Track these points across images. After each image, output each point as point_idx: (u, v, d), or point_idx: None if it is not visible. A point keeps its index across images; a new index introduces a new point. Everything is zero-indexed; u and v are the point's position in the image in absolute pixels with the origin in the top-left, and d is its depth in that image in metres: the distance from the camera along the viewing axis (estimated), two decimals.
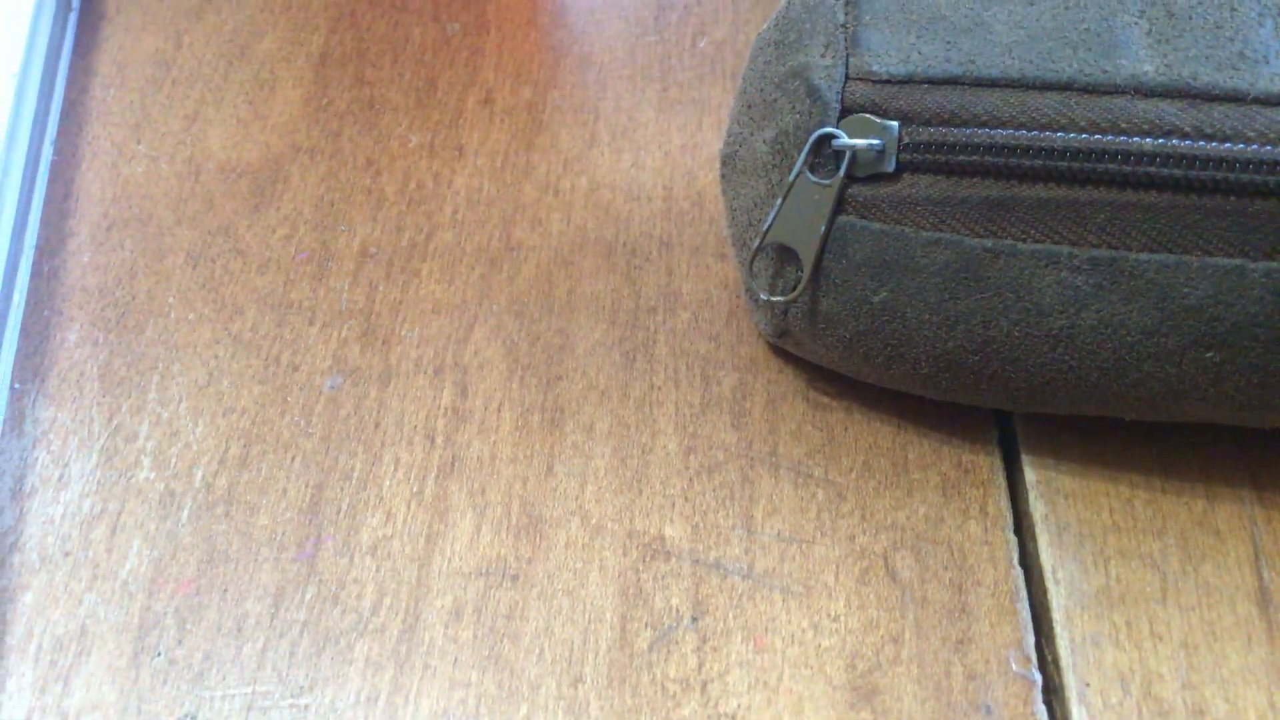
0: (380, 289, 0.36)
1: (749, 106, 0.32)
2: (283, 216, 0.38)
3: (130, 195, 0.38)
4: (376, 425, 0.33)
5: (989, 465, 0.32)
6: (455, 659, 0.28)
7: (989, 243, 0.29)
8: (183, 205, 0.38)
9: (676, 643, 0.29)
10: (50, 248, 0.37)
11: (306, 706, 0.28)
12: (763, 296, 0.32)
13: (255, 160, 0.39)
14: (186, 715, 0.28)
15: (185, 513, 0.31)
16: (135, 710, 0.28)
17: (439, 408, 0.33)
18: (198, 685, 0.28)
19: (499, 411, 0.33)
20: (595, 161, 0.39)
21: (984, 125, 0.28)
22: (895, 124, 0.29)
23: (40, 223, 0.38)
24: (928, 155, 0.29)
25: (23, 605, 0.29)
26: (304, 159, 0.39)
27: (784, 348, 0.33)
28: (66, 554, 0.30)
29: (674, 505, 0.31)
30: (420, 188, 0.39)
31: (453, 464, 0.32)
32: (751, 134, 0.32)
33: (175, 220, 0.38)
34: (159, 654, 0.28)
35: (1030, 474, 0.31)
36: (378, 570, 0.30)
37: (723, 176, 0.34)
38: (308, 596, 0.29)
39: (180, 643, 0.29)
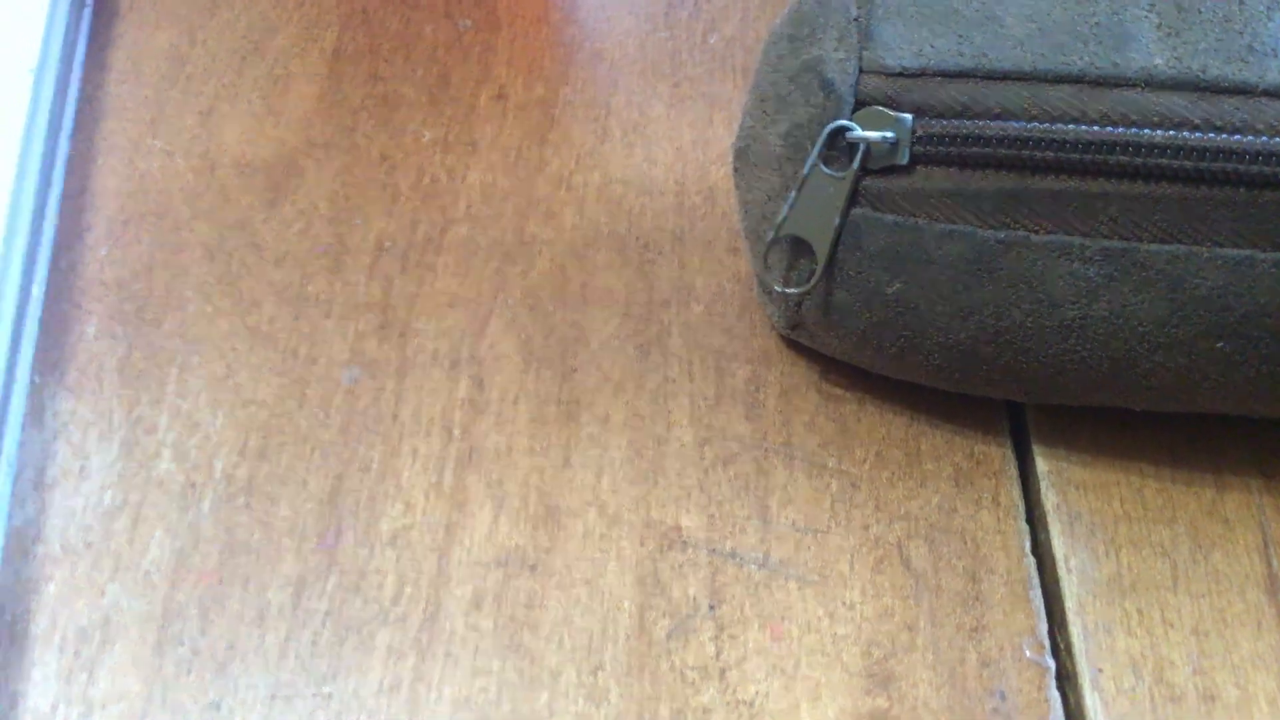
0: (396, 283, 0.36)
1: (762, 100, 0.33)
2: (298, 211, 0.38)
3: (146, 190, 0.39)
4: (394, 417, 0.33)
5: (1001, 456, 0.32)
6: (476, 647, 0.29)
7: (1002, 234, 0.29)
8: (199, 200, 0.38)
9: (694, 631, 0.29)
10: (67, 242, 0.37)
11: (330, 695, 0.28)
12: (776, 289, 0.32)
13: (270, 155, 0.39)
14: (211, 704, 0.28)
15: (206, 504, 0.31)
16: (160, 700, 0.28)
17: (456, 400, 0.34)
18: (221, 675, 0.28)
19: (515, 404, 0.33)
20: (607, 157, 0.39)
21: (997, 118, 0.29)
22: (909, 117, 0.29)
23: (58, 216, 0.38)
24: (941, 148, 0.29)
25: (46, 596, 0.30)
26: (319, 154, 0.39)
27: (797, 340, 0.34)
28: (88, 545, 0.31)
29: (690, 496, 0.31)
30: (434, 182, 0.39)
31: (470, 455, 0.32)
32: (764, 128, 0.32)
33: (191, 215, 0.38)
34: (182, 644, 0.29)
35: (1042, 464, 0.32)
36: (398, 560, 0.30)
37: (736, 170, 0.34)
38: (329, 586, 0.30)
39: (203, 632, 0.29)
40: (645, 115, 0.40)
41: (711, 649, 0.29)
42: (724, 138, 0.40)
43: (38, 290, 0.36)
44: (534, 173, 0.39)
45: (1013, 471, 0.32)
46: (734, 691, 0.28)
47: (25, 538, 0.31)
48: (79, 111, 0.41)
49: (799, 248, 0.31)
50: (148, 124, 0.40)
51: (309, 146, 0.40)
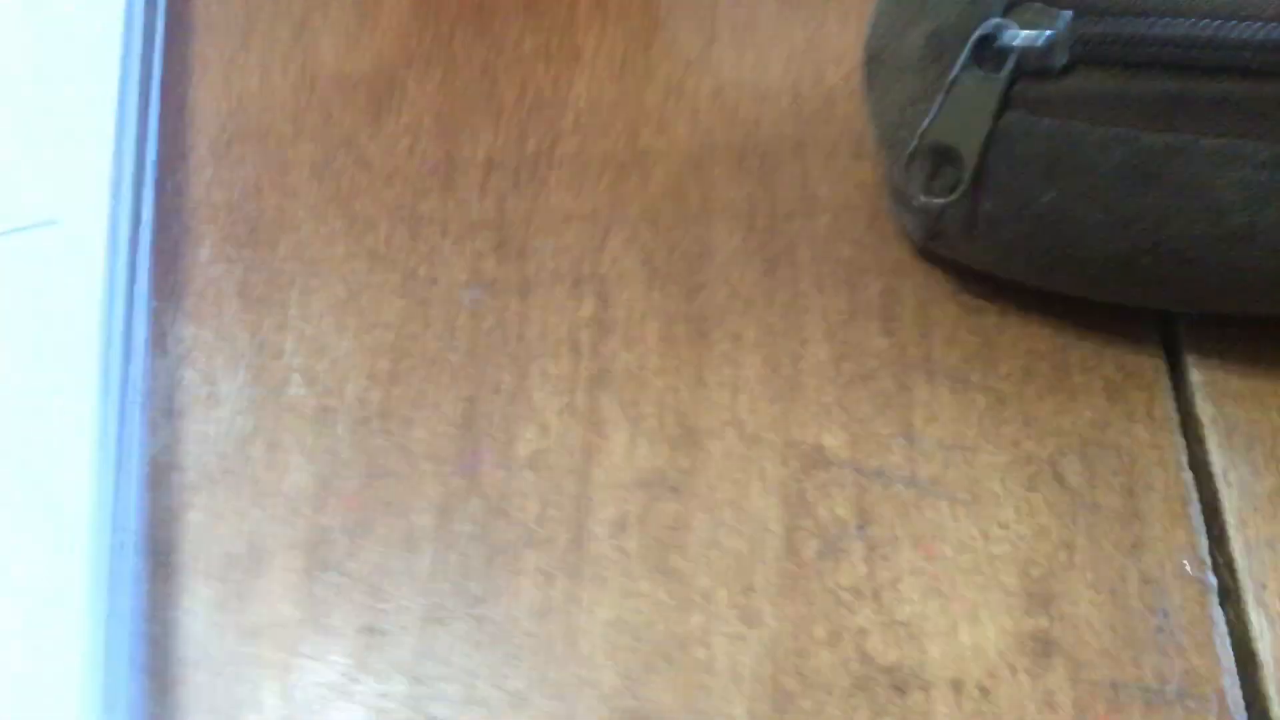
0: (509, 199, 0.35)
1: (900, 0, 0.31)
2: (404, 127, 0.37)
3: (245, 108, 0.38)
4: (520, 338, 0.33)
5: (1153, 367, 0.31)
6: (625, 569, 0.28)
7: (1167, 139, 0.28)
8: (301, 117, 0.37)
9: (845, 552, 0.29)
10: (171, 164, 0.37)
11: (483, 616, 0.28)
12: (919, 199, 0.31)
13: (369, 69, 0.38)
14: (366, 627, 0.28)
15: (341, 429, 0.31)
16: (315, 624, 0.28)
17: (581, 319, 0.33)
18: (374, 598, 0.28)
19: (642, 321, 0.33)
20: (717, 61, 0.38)
21: (1162, 15, 0.27)
22: (1068, 14, 0.28)
23: (159, 139, 0.37)
24: (1101, 47, 0.28)
25: (189, 524, 0.30)
26: (419, 67, 0.38)
27: (934, 251, 0.33)
28: (226, 471, 0.30)
29: (830, 414, 0.31)
30: (539, 94, 0.38)
31: (601, 376, 0.32)
32: (904, 28, 0.31)
33: (295, 133, 0.37)
34: (332, 568, 0.29)
35: (1196, 375, 0.31)
36: (538, 482, 0.30)
37: (868, 74, 0.33)
38: (472, 509, 0.29)
39: (352, 557, 0.29)
40: (754, 16, 0.39)
41: (864, 569, 0.28)
42: (839, 38, 0.38)
43: (147, 214, 0.35)
44: (642, 81, 0.38)
45: (1165, 383, 0.31)
46: (890, 612, 0.28)
47: (161, 466, 0.30)
48: (168, 30, 0.40)
49: (943, 155, 0.30)
50: (240, 40, 0.39)
51: (408, 59, 0.38)
